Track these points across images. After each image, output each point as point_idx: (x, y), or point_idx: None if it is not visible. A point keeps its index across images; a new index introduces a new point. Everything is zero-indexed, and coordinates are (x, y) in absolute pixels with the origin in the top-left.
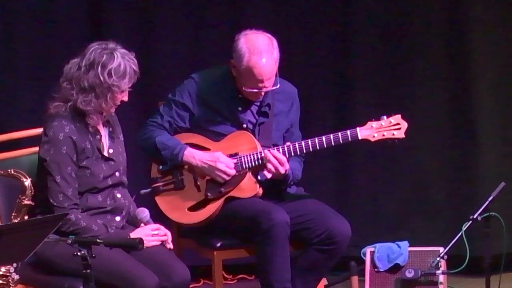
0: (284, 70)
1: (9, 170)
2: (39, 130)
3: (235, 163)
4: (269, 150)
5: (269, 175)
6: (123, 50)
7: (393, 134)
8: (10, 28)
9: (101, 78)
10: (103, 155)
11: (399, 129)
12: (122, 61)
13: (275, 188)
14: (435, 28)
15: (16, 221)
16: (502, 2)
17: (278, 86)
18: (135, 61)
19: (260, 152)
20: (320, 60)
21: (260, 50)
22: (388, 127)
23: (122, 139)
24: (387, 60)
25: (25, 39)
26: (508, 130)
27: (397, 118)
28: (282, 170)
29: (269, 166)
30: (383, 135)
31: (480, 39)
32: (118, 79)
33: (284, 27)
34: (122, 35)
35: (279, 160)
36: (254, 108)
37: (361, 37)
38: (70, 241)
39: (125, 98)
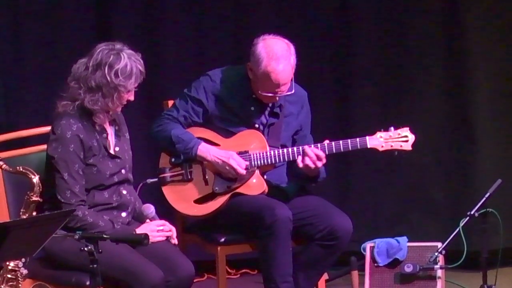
0: None
1: (17, 167)
2: (47, 129)
3: (247, 165)
4: (309, 147)
5: (301, 165)
6: (130, 51)
7: (401, 146)
8: (18, 28)
9: (108, 78)
10: (109, 153)
11: (406, 141)
12: (129, 62)
13: (307, 182)
14: (434, 31)
15: (24, 217)
16: (498, 6)
17: (293, 91)
18: (141, 61)
19: (270, 152)
20: (323, 64)
21: (278, 56)
22: (396, 139)
23: (128, 137)
24: (388, 64)
25: (33, 39)
26: (504, 129)
27: (405, 131)
28: (319, 165)
29: (308, 161)
30: (391, 146)
31: (477, 39)
32: (124, 79)
33: (287, 31)
34: (128, 36)
35: (318, 155)
36: (266, 109)
37: (363, 44)
38: (77, 237)
39: (131, 98)
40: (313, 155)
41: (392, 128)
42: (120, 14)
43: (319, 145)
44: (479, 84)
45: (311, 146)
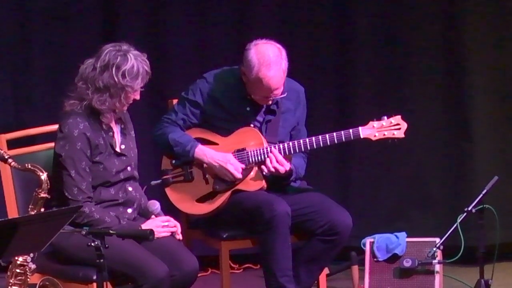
0: (288, 71)
1: (26, 165)
2: (55, 127)
3: (243, 168)
4: (273, 153)
5: (266, 172)
6: (136, 52)
7: (393, 134)
8: (26, 28)
9: (116, 79)
10: (115, 151)
11: (399, 129)
12: (135, 63)
13: (279, 181)
14: (433, 30)
15: (33, 213)
16: (497, 7)
17: (286, 94)
18: (147, 62)
19: (266, 148)
20: (322, 60)
21: (269, 62)
22: (388, 127)
23: (134, 135)
24: (386, 62)
25: (41, 39)
26: (500, 127)
27: (397, 119)
28: (282, 170)
29: (269, 165)
30: (384, 134)
31: (474, 39)
32: (131, 80)
33: (288, 29)
34: (134, 36)
35: (279, 161)
36: (262, 109)
37: (362, 40)
38: (84, 232)
39: (137, 97)
40: (274, 163)
41: (385, 117)
42: (127, 16)
43: (313, 138)
44: (477, 82)
45: (279, 146)
